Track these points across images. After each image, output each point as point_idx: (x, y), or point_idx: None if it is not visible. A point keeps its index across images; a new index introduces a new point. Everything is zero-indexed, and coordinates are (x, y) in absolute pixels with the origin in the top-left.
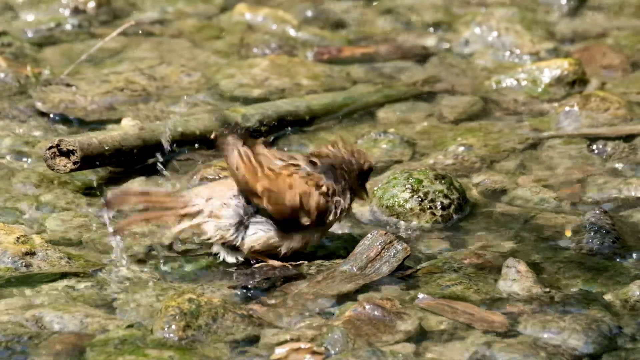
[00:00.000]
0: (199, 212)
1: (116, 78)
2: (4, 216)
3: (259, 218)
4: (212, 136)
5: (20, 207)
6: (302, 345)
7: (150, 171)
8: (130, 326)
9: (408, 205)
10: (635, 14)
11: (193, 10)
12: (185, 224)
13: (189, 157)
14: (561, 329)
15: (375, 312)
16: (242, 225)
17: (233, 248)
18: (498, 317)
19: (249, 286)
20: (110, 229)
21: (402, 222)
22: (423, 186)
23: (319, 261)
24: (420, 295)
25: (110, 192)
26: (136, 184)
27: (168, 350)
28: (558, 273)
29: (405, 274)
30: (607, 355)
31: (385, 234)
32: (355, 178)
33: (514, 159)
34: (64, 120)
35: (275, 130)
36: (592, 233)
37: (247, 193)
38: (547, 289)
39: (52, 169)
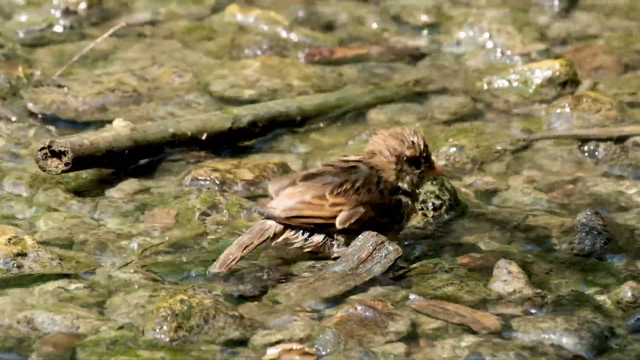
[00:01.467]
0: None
1: (108, 79)
2: None
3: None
4: (204, 137)
5: (12, 208)
6: (294, 346)
7: (142, 172)
8: (121, 327)
9: None
10: (627, 15)
11: (184, 12)
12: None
13: (180, 158)
14: (553, 330)
15: (367, 313)
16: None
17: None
18: (489, 318)
19: (241, 287)
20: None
21: None
22: None
23: (311, 262)
24: (412, 296)
25: (218, 268)
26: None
27: (159, 351)
28: (550, 274)
29: (396, 275)
30: (599, 356)
31: (377, 234)
32: (408, 164)
33: (506, 160)
34: (56, 121)
35: (267, 131)
36: (584, 234)
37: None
38: (539, 290)
39: (44, 170)
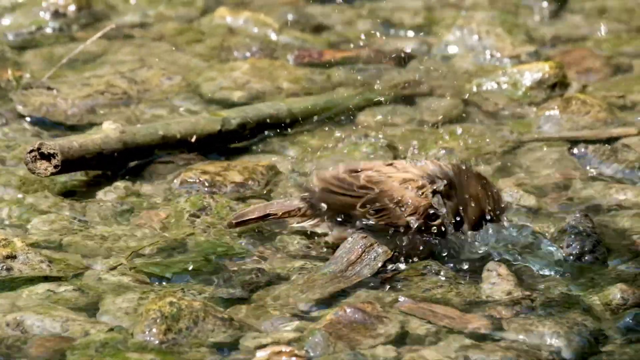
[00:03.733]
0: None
1: (97, 81)
2: None
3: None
4: (193, 139)
5: (1, 210)
6: (283, 348)
7: (132, 174)
8: (111, 330)
9: None
10: (616, 17)
11: (174, 14)
12: (304, 223)
13: (169, 160)
14: (542, 332)
15: (356, 315)
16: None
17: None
18: (479, 321)
19: (230, 289)
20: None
21: None
22: None
23: (300, 264)
24: (401, 299)
25: (234, 218)
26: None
27: (149, 354)
28: (539, 276)
29: (386, 277)
30: (588, 358)
31: (366, 236)
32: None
33: (495, 162)
34: (45, 123)
35: (256, 133)
36: (573, 236)
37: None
38: (528, 292)
39: (33, 173)
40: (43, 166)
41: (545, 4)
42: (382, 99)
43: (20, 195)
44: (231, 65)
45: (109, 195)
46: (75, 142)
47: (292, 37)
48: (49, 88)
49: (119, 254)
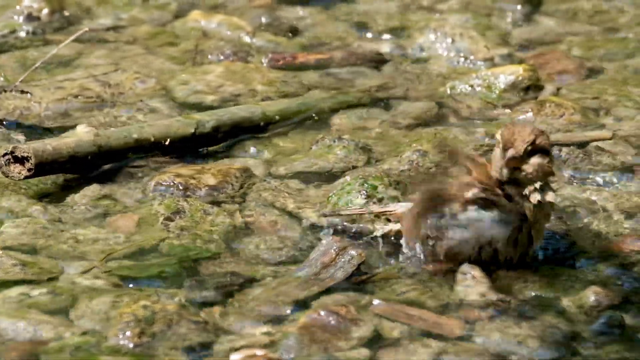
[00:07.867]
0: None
1: (70, 85)
2: None
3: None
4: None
5: None
6: (257, 351)
7: (106, 178)
8: (85, 333)
9: None
10: (589, 20)
11: (147, 17)
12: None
13: (143, 163)
14: (516, 335)
15: (330, 318)
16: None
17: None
18: (453, 323)
19: (204, 293)
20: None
21: (356, 228)
22: (378, 192)
23: (274, 267)
24: (376, 301)
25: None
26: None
27: (123, 357)
28: (513, 279)
29: (360, 280)
30: None
31: (340, 239)
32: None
33: None
34: (19, 127)
35: (230, 136)
36: (547, 239)
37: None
38: (502, 295)
39: (7, 176)
40: (16, 170)
41: (518, 7)
42: (356, 101)
43: None
44: (205, 69)
45: (83, 198)
46: (49, 145)
47: (265, 40)
48: (22, 91)
49: (92, 257)
